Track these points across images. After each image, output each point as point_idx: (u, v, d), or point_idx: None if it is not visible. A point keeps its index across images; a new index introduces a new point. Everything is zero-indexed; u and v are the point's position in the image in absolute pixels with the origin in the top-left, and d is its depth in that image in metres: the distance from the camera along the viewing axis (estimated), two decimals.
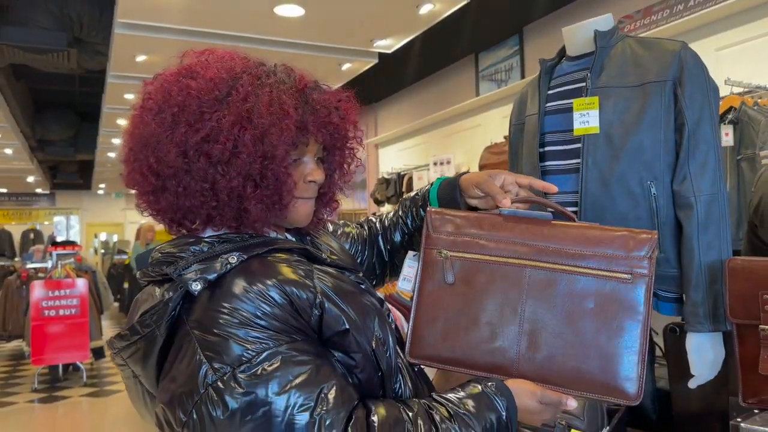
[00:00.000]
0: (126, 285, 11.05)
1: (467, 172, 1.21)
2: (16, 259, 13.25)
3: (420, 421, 0.82)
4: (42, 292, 6.14)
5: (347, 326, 0.86)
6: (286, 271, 0.85)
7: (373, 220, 1.32)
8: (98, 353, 6.87)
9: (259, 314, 0.80)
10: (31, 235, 16.37)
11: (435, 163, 5.64)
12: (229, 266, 0.84)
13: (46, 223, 17.06)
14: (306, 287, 0.84)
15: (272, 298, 0.81)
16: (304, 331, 0.83)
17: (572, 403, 0.92)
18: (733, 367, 1.35)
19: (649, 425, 1.61)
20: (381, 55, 5.38)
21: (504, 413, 0.87)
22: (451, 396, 0.89)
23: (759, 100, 2.96)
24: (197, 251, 0.87)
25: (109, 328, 9.52)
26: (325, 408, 0.78)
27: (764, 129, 2.78)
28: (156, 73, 0.94)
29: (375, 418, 0.80)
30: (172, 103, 0.87)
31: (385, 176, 6.52)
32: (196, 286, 0.82)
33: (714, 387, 1.44)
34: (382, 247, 1.28)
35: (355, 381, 0.87)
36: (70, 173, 14.65)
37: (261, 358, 0.78)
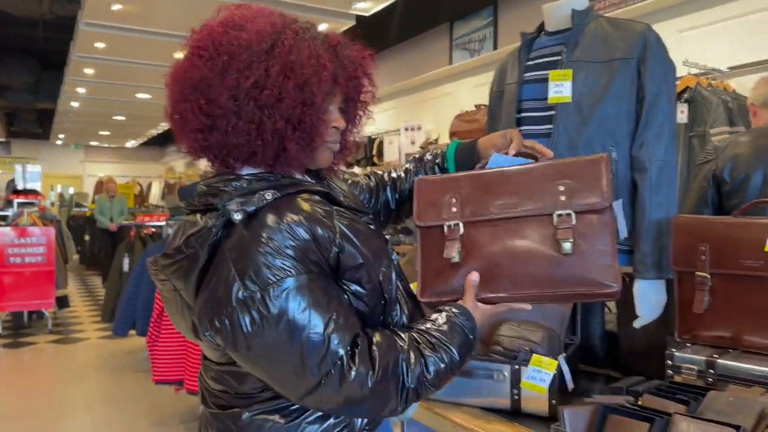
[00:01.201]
0: (87, 237, 10.96)
1: (476, 139, 1.39)
2: None
3: (411, 351, 1.00)
4: (8, 238, 6.13)
5: (362, 261, 1.01)
6: (312, 210, 0.99)
7: (379, 173, 1.47)
8: (62, 302, 6.90)
9: (287, 245, 0.94)
10: None
11: (406, 129, 5.78)
12: (265, 201, 0.98)
13: (0, 171, 16.61)
14: (327, 226, 0.99)
15: (299, 232, 0.96)
16: (321, 265, 0.98)
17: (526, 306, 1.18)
18: (673, 309, 1.58)
19: (599, 362, 1.84)
20: (358, 18, 5.46)
21: (471, 335, 1.08)
22: (430, 326, 1.06)
23: (713, 82, 3.20)
24: (238, 186, 1.01)
25: (70, 280, 9.48)
26: (334, 329, 0.94)
27: (715, 109, 3.03)
28: (202, 24, 1.05)
29: (375, 347, 0.97)
30: (221, 51, 0.99)
31: (356, 139, 6.62)
32: (238, 216, 0.96)
33: (656, 327, 1.67)
34: (390, 197, 1.42)
35: (364, 307, 1.03)
36: (28, 122, 14.24)
37: (285, 282, 0.93)
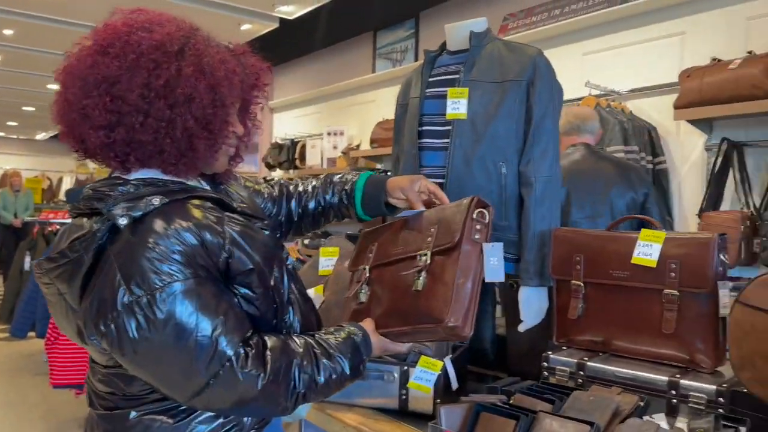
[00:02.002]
0: None
1: (387, 172, 1.48)
2: None
3: (305, 358, 1.06)
4: None
5: (251, 266, 1.04)
6: (201, 216, 1.01)
7: (286, 184, 1.51)
8: None
9: (174, 250, 0.96)
10: None
11: (329, 133, 5.81)
12: (152, 207, 0.99)
13: None
14: (217, 232, 1.01)
15: (186, 238, 0.97)
16: (210, 270, 1.00)
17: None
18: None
19: (489, 364, 1.95)
20: (283, 20, 5.45)
21: (365, 355, 1.17)
22: (329, 338, 1.13)
23: (612, 103, 3.42)
24: (124, 191, 1.01)
25: None
26: (222, 332, 0.97)
27: (612, 128, 3.25)
28: (104, 23, 1.06)
29: (269, 351, 1.01)
30: (129, 50, 1.00)
31: (279, 141, 6.61)
32: (123, 221, 0.97)
33: (539, 332, 1.78)
34: (294, 209, 1.47)
35: (255, 311, 1.06)
36: None
37: (172, 287, 0.95)
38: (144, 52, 1.01)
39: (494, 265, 1.26)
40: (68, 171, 14.80)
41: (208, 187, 1.19)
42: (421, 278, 1.21)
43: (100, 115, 1.00)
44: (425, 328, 1.19)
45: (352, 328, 1.19)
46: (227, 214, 1.07)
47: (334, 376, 1.08)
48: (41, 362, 4.77)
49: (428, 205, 1.37)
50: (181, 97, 1.01)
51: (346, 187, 1.46)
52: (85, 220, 1.03)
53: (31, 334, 4.53)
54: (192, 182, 1.13)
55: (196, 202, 1.05)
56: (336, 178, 1.49)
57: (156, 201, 1.00)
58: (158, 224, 0.97)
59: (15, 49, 6.73)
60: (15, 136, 17.07)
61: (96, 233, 0.98)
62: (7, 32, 6.08)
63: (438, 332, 1.19)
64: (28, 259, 5.25)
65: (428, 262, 1.22)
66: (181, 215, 1.00)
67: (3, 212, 8.33)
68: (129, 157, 1.04)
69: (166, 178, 1.07)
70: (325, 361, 1.08)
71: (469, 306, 1.18)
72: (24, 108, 11.49)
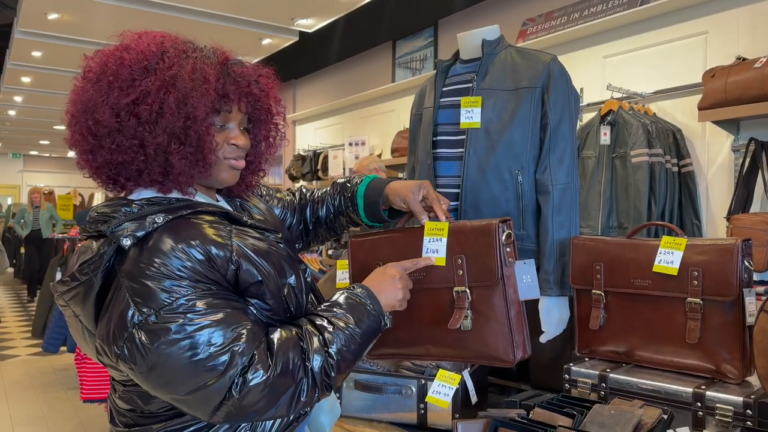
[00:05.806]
0: (22, 250, 10.58)
1: (395, 178, 1.42)
2: None
3: (312, 337, 1.01)
4: None
5: (260, 278, 1.03)
6: (207, 232, 1.01)
7: (304, 191, 1.48)
8: None
9: (180, 267, 0.96)
10: None
11: (350, 144, 5.83)
12: (155, 225, 0.99)
13: None
14: (223, 246, 1.01)
15: (192, 254, 0.97)
16: (220, 282, 1.00)
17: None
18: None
19: (513, 376, 1.91)
20: (302, 34, 5.50)
21: (380, 318, 1.10)
22: (337, 312, 1.07)
23: (634, 106, 3.36)
24: (128, 212, 1.02)
25: (3, 294, 9.12)
26: (236, 342, 0.96)
27: (635, 131, 3.19)
28: (96, 50, 1.08)
29: (275, 345, 0.99)
30: (108, 72, 1.02)
31: (302, 153, 6.65)
32: (127, 242, 0.97)
33: (561, 342, 1.75)
34: (308, 217, 1.45)
35: (271, 321, 1.05)
36: None
37: (181, 302, 0.94)
38: (117, 73, 1.02)
39: (527, 282, 1.24)
40: (99, 187, 15.11)
41: (220, 202, 1.19)
42: (468, 319, 1.20)
43: (84, 140, 1.03)
44: (483, 363, 1.22)
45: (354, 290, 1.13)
46: (235, 227, 1.07)
47: (345, 348, 1.03)
48: (73, 377, 4.85)
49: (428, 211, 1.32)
50: (150, 114, 1.00)
51: (348, 193, 1.42)
52: (93, 242, 1.04)
53: (63, 348, 4.61)
54: (201, 198, 1.13)
55: (205, 217, 1.05)
56: (343, 181, 1.45)
57: (159, 219, 1.00)
58: (164, 242, 0.98)
59: (43, 70, 6.91)
60: (47, 154, 17.54)
61: (103, 255, 0.99)
62: (36, 54, 6.25)
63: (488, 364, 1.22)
64: (59, 275, 5.35)
65: (470, 299, 1.20)
66: (186, 231, 1.00)
67: (16, 226, 8.57)
68: (119, 179, 1.05)
69: (170, 196, 1.07)
70: (329, 334, 1.03)
71: (525, 331, 1.21)
72: (55, 127, 11.78)
